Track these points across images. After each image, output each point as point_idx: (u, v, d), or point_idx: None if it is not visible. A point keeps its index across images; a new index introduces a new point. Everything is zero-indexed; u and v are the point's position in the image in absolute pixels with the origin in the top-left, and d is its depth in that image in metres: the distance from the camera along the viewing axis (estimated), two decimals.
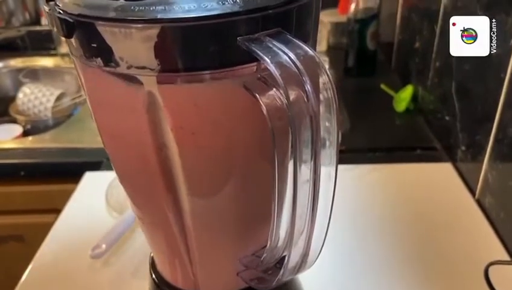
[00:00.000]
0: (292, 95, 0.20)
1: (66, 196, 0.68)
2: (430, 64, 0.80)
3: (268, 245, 0.27)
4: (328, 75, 0.22)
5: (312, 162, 0.22)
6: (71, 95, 1.11)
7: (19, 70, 1.20)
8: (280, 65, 0.20)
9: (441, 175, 0.70)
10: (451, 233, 0.58)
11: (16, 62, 1.27)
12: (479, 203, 0.62)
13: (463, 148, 0.68)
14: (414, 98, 0.88)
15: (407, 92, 0.87)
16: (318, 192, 0.23)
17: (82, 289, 0.53)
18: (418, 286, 0.50)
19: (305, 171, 0.22)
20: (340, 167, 0.23)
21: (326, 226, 0.26)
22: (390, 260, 0.54)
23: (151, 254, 0.36)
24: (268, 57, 0.21)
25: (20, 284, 0.54)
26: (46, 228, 0.63)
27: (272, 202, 0.25)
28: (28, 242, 0.88)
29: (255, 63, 0.22)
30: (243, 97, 0.22)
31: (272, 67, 0.20)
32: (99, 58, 0.23)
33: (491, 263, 0.41)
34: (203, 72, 0.22)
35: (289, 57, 0.21)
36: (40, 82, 1.12)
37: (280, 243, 0.27)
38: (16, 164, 0.82)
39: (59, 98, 1.07)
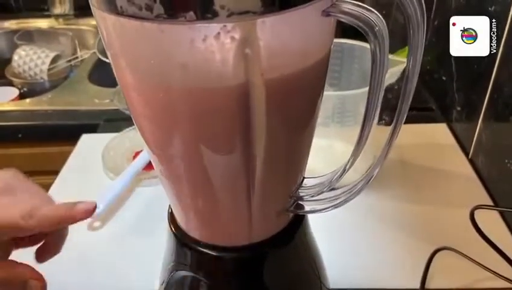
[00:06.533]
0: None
1: (63, 158, 0.68)
2: (428, 23, 0.79)
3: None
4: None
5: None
6: (66, 57, 1.10)
7: (14, 32, 1.18)
8: None
9: (435, 135, 0.70)
10: (444, 191, 0.59)
11: (10, 24, 1.25)
12: (472, 162, 0.63)
13: (458, 108, 0.68)
14: None
15: (404, 53, 0.86)
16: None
17: (80, 247, 0.54)
18: (410, 233, 0.52)
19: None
20: None
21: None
22: (385, 213, 0.55)
23: (170, 210, 0.34)
24: None
25: None
26: (45, 190, 0.63)
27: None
28: None
29: None
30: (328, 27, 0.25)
31: None
32: (191, 12, 0.19)
33: (477, 207, 0.41)
34: (303, 6, 0.21)
35: None
36: (35, 44, 1.11)
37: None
38: (14, 126, 0.83)
39: (54, 60, 1.06)
